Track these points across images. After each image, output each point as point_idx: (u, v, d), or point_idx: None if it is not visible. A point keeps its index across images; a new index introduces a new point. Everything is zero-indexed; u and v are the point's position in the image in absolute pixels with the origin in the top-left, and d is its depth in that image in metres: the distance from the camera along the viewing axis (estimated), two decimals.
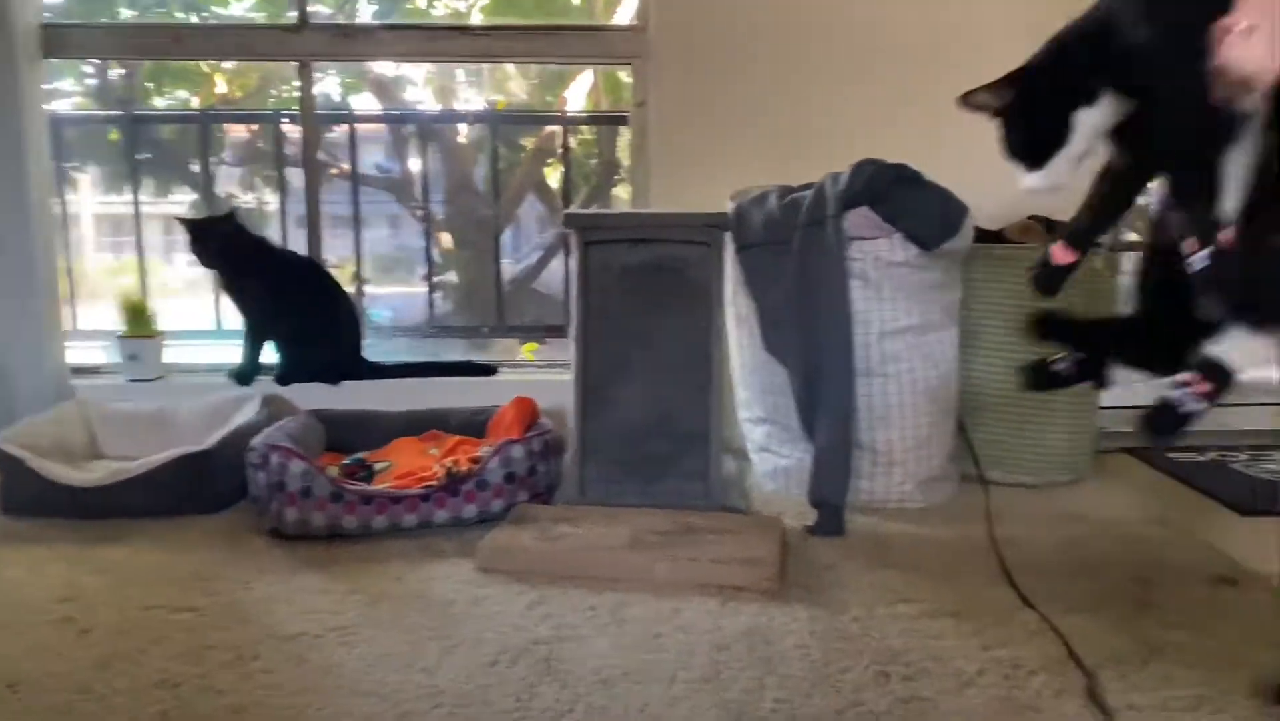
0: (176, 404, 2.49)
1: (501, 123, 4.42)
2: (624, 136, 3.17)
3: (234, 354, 2.65)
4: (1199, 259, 0.98)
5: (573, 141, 4.25)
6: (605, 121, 4.46)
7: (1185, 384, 1.02)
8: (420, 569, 1.84)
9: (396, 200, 5.10)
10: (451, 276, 4.92)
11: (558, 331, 2.98)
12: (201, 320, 3.14)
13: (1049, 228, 2.37)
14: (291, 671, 1.44)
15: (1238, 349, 1.00)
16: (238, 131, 4.94)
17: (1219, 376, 1.02)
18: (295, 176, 3.03)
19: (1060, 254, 1.17)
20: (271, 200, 3.23)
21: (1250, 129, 0.91)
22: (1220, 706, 1.33)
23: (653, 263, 2.20)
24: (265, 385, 2.58)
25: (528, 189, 4.85)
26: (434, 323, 3.29)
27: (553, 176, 4.71)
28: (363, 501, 1.97)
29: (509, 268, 4.77)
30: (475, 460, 2.13)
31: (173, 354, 2.85)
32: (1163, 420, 1.06)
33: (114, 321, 2.79)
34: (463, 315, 4.85)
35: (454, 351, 3.07)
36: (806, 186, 2.23)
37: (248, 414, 2.34)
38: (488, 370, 2.76)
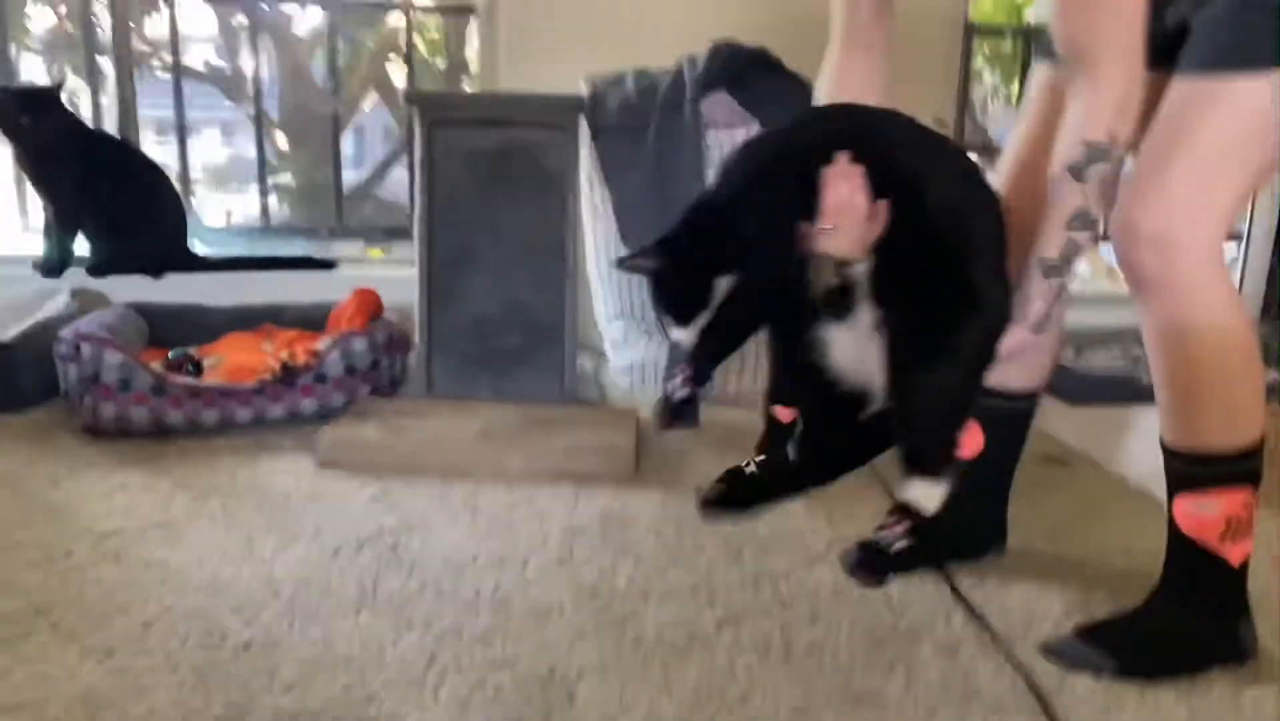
0: None
1: (341, 7, 4.13)
2: (474, 37, 3.00)
3: (38, 245, 2.40)
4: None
5: (419, 42, 4.03)
6: (452, 11, 4.23)
7: (884, 526, 1.10)
8: (255, 464, 1.72)
9: (227, 96, 4.77)
10: (287, 179, 4.66)
11: (404, 235, 2.83)
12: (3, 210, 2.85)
13: None
14: (108, 569, 1.32)
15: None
16: (44, 15, 4.50)
17: (913, 514, 1.09)
18: (111, 68, 2.74)
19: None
20: (82, 95, 2.93)
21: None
22: (1051, 571, 1.41)
23: (503, 148, 2.09)
24: (77, 278, 2.34)
25: (370, 85, 4.60)
26: (270, 227, 3.07)
27: (398, 78, 4.48)
28: (190, 395, 1.83)
29: (351, 176, 4.54)
30: (314, 354, 2.01)
31: None
32: (870, 559, 1.11)
33: None
34: (300, 219, 4.59)
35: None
36: (666, 72, 2.16)
37: (55, 307, 2.14)
38: (326, 265, 2.59)
